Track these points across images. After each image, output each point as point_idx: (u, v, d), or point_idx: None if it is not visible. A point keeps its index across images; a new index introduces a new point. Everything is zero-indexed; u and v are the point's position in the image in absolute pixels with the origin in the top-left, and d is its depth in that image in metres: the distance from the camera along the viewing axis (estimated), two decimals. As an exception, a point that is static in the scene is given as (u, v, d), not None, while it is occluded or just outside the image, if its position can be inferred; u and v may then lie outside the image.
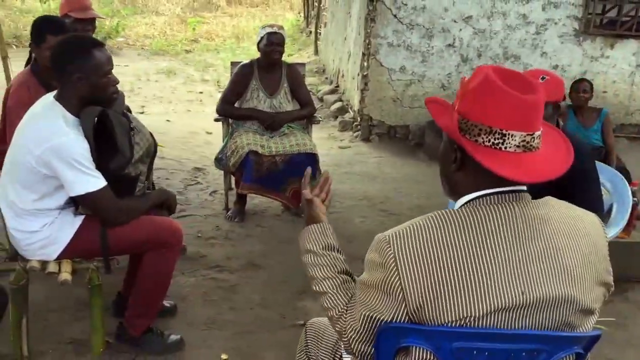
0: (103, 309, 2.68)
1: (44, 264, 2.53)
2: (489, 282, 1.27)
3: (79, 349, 2.79)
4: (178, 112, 7.49)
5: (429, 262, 1.28)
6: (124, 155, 2.53)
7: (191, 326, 3.02)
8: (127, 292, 2.91)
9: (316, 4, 11.29)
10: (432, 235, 1.30)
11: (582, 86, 4.69)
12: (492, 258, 1.28)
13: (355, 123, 6.73)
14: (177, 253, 2.70)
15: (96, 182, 2.40)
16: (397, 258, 1.31)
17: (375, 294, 1.37)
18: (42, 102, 2.49)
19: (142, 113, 7.28)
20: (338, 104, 7.43)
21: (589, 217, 1.44)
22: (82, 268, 2.59)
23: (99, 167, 2.43)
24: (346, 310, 1.51)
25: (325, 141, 6.48)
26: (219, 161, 4.27)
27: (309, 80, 9.26)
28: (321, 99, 8.01)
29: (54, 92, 2.49)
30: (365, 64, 6.36)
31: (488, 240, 1.29)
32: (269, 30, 4.23)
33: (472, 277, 1.27)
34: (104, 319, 2.93)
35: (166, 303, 3.11)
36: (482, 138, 1.32)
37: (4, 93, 3.32)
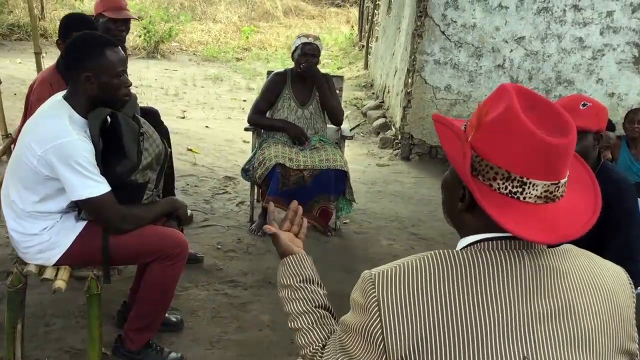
0: (101, 319, 2.55)
1: (42, 268, 2.44)
2: (486, 341, 1.07)
3: (75, 358, 2.69)
4: (218, 119, 7.45)
5: (418, 310, 1.09)
6: (131, 161, 2.42)
7: (195, 344, 2.89)
8: (133, 302, 2.79)
9: (371, 18, 11.17)
10: (424, 279, 1.11)
11: (637, 116, 4.37)
12: (492, 313, 1.08)
13: (396, 141, 6.53)
14: (180, 266, 2.56)
15: (99, 187, 2.29)
16: (381, 302, 1.12)
17: (354, 338, 1.19)
18: (50, 101, 2.41)
19: (182, 118, 7.29)
20: (381, 120, 7.24)
21: (614, 272, 1.22)
22: (80, 276, 2.49)
23: (104, 171, 2.33)
24: (321, 349, 1.35)
25: (363, 157, 6.31)
26: (246, 172, 4.15)
27: (355, 94, 9.17)
28: (365, 114, 7.85)
29: (64, 91, 2.41)
30: (410, 80, 6.17)
31: (489, 292, 1.09)
32: (304, 40, 4.11)
33: (466, 333, 1.07)
34: (106, 329, 2.85)
35: (172, 317, 2.99)
36: (498, 184, 1.12)
37: (28, 88, 3.29)
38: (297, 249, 1.55)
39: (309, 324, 1.41)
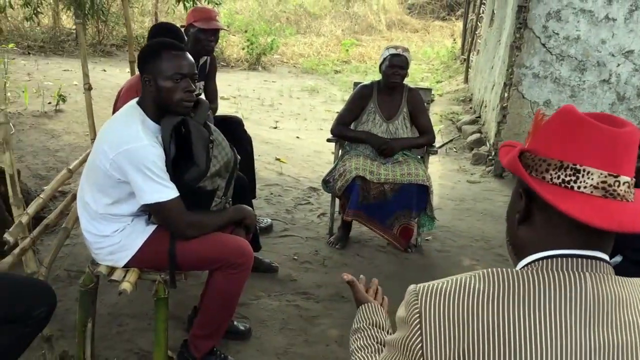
0: (167, 323, 2.58)
1: (112, 270, 2.50)
2: None
3: (143, 360, 2.74)
4: (310, 130, 7.48)
5: (462, 328, 1.00)
6: (200, 168, 2.43)
7: (260, 354, 2.87)
8: (202, 308, 2.81)
9: (473, 31, 10.89)
10: (473, 296, 1.02)
11: None
12: (544, 338, 0.98)
13: (489, 157, 6.27)
14: (245, 276, 2.55)
15: (168, 192, 2.32)
16: (423, 316, 1.04)
17: (394, 354, 1.12)
18: (126, 106, 2.48)
19: (275, 128, 7.39)
20: (476, 136, 6.99)
21: None
22: (148, 279, 2.53)
23: (173, 177, 2.36)
24: None
25: (454, 173, 6.11)
26: (326, 183, 4.11)
27: (452, 108, 8.94)
28: (459, 129, 7.62)
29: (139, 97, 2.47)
30: (506, 94, 5.91)
31: (544, 315, 0.99)
32: (392, 51, 4.00)
33: (512, 357, 0.97)
34: (177, 333, 2.90)
35: (240, 325, 2.99)
36: (551, 174, 1.04)
37: (116, 95, 3.42)
38: (373, 300, 1.61)
39: (367, 352, 1.40)
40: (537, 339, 0.97)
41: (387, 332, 1.48)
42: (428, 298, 1.05)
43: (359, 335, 1.48)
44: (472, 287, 1.03)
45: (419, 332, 1.04)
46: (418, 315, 1.05)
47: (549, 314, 0.99)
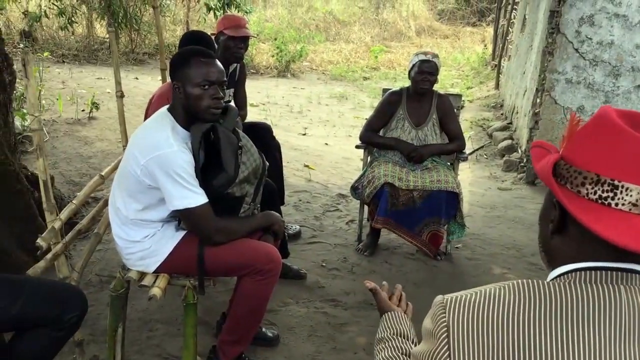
0: (196, 329, 2.59)
1: (142, 275, 2.52)
2: None
3: (171, 365, 2.76)
4: (339, 137, 7.47)
5: (491, 341, 0.98)
6: (228, 174, 2.45)
7: (287, 361, 2.86)
8: (231, 314, 2.82)
9: (504, 36, 10.79)
10: (503, 308, 0.99)
11: None
12: (574, 355, 0.95)
13: (521, 164, 6.19)
14: (273, 282, 2.54)
15: (197, 198, 2.33)
16: (451, 328, 1.02)
17: None
18: (157, 113, 2.50)
19: (303, 134, 7.39)
20: (507, 142, 6.90)
21: None
22: (178, 284, 2.54)
23: (203, 183, 2.38)
24: None
25: (484, 180, 6.04)
26: (355, 190, 4.09)
27: (483, 114, 8.84)
28: (490, 135, 7.54)
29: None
30: (538, 100, 5.83)
31: (575, 330, 0.96)
32: (422, 57, 3.97)
33: None
34: (206, 338, 2.91)
35: (269, 332, 2.99)
36: (587, 189, 1.00)
37: (148, 102, 3.46)
38: (397, 308, 1.57)
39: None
40: (569, 354, 0.95)
41: (412, 342, 1.45)
42: (456, 311, 1.03)
43: (384, 346, 1.44)
44: (501, 299, 1.01)
45: (447, 346, 1.02)
46: (445, 328, 1.02)
47: (582, 329, 0.96)
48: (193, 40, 3.19)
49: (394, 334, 1.46)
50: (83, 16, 11.33)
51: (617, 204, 0.98)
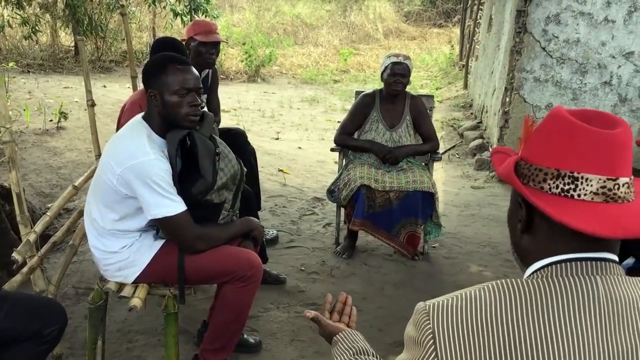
0: (178, 338, 2.56)
1: (121, 286, 2.49)
2: None
3: (153, 376, 2.72)
4: (311, 140, 7.48)
5: (477, 344, 0.99)
6: (207, 181, 2.42)
7: (271, 367, 2.85)
8: (212, 321, 2.79)
9: (471, 37, 10.93)
10: (485, 310, 1.01)
11: None
12: (561, 348, 0.96)
13: (493, 162, 6.26)
14: (254, 288, 2.53)
15: (175, 206, 2.31)
16: (437, 335, 1.02)
17: None
18: (131, 121, 2.47)
19: (276, 139, 7.38)
20: (478, 141, 6.99)
21: None
22: (158, 294, 2.51)
23: (181, 191, 2.35)
24: None
25: (457, 180, 6.10)
26: (331, 193, 4.09)
27: (453, 114, 8.94)
28: (461, 135, 7.62)
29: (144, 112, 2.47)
30: (508, 99, 5.91)
31: (557, 324, 0.97)
32: (393, 60, 4.00)
33: None
34: (187, 347, 2.88)
35: (251, 338, 2.97)
36: (549, 184, 1.03)
37: (120, 110, 3.41)
38: (343, 327, 1.51)
39: None
40: (553, 348, 0.96)
41: (374, 356, 1.41)
42: (440, 316, 1.04)
43: None
44: (482, 301, 1.02)
45: (434, 352, 1.02)
46: (431, 335, 1.03)
47: (563, 322, 0.97)
48: (165, 47, 3.16)
49: (353, 354, 1.41)
50: (47, 25, 11.15)
51: (579, 195, 1.01)
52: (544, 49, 5.67)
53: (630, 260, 2.23)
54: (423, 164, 4.20)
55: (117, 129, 3.33)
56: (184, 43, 3.60)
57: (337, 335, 1.46)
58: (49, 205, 4.35)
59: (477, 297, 1.03)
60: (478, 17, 10.64)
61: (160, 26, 12.81)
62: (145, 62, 3.34)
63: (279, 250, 4.07)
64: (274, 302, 3.42)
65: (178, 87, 2.30)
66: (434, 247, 4.26)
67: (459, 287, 1.12)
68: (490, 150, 6.47)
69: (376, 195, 3.84)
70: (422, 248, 4.12)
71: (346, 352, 1.41)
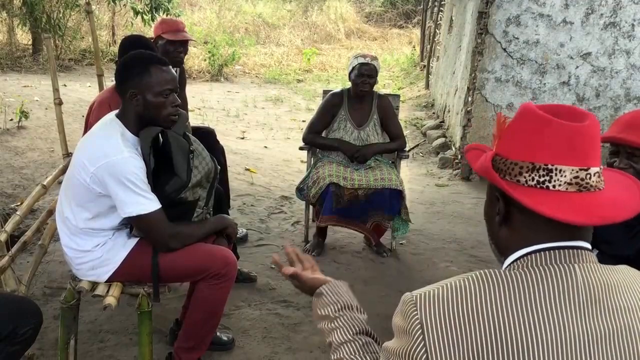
0: (152, 337, 2.56)
1: (94, 285, 2.47)
2: None
3: (126, 375, 2.71)
4: (277, 139, 7.50)
5: (463, 332, 1.03)
6: (181, 179, 2.43)
7: (244, 364, 2.86)
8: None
9: (432, 37, 11.09)
10: (471, 299, 1.04)
11: None
12: (544, 334, 1.01)
13: (456, 160, 6.39)
14: (229, 286, 2.54)
15: (149, 204, 2.30)
16: (424, 325, 1.05)
17: None
18: (103, 119, 2.46)
19: (242, 138, 7.38)
20: (441, 140, 7.12)
21: None
22: (131, 293, 2.50)
23: (155, 189, 2.35)
24: None
25: (422, 178, 6.20)
26: (300, 191, 4.12)
27: (416, 114, 9.07)
28: (424, 134, 7.74)
29: (118, 110, 2.45)
30: (470, 99, 6.04)
31: (539, 311, 1.02)
32: (361, 60, 4.04)
33: (516, 356, 1.00)
34: (159, 346, 2.87)
35: (223, 336, 2.98)
36: (525, 177, 1.09)
37: (88, 109, 3.38)
38: (327, 278, 1.50)
39: (351, 353, 1.34)
40: (537, 334, 1.01)
41: (358, 311, 1.42)
42: (427, 306, 1.07)
43: (333, 325, 1.39)
44: (467, 290, 1.06)
45: (423, 342, 1.05)
46: (419, 325, 1.06)
47: (546, 309, 1.02)
48: (135, 46, 3.14)
49: (338, 309, 1.40)
50: (3, 22, 10.88)
51: (554, 186, 1.07)
52: (504, 49, 5.81)
53: (594, 252, 2.31)
54: (390, 162, 4.26)
55: (86, 127, 3.29)
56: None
57: (322, 287, 1.46)
58: (12, 205, 4.27)
59: (462, 287, 1.07)
60: (439, 18, 10.81)
61: (119, 25, 12.63)
62: (115, 61, 3.31)
63: (249, 249, 4.09)
64: (245, 300, 3.43)
65: (162, 88, 2.31)
66: (401, 243, 4.33)
67: (427, 282, 1.16)
68: (454, 149, 6.60)
69: (344, 193, 3.88)
70: (390, 245, 4.19)
71: (330, 305, 1.42)
